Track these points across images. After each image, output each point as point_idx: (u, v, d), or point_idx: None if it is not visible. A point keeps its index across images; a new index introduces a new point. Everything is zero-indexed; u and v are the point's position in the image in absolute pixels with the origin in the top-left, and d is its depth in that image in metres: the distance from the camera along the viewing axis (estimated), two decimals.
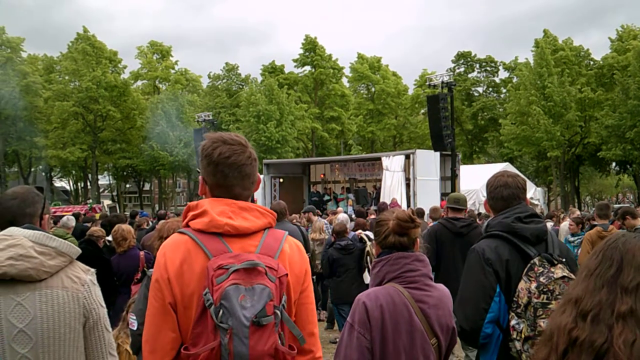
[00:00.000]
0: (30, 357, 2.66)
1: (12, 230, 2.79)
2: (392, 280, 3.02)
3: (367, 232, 9.63)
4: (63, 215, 12.35)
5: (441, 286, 3.14)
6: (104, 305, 2.96)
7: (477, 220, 11.02)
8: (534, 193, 31.40)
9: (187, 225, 2.37)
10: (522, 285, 3.29)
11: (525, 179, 3.96)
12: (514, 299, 3.32)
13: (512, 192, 3.69)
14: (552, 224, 14.36)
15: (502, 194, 3.69)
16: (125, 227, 8.32)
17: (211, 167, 2.44)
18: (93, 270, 3.01)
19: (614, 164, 52.49)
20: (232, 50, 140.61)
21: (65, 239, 3.06)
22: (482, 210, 21.25)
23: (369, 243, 9.12)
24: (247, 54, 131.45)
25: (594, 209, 9.97)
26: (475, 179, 26.44)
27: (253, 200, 2.64)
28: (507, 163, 38.34)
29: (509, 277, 3.40)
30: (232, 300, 2.08)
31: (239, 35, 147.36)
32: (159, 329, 2.30)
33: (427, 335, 2.95)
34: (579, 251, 9.91)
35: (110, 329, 3.02)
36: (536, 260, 3.32)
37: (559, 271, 3.25)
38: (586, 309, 1.53)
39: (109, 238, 8.88)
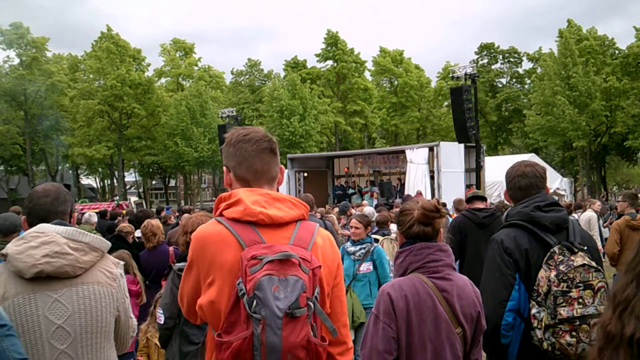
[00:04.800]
0: (69, 353, 2.70)
1: (44, 226, 2.81)
2: (416, 271, 3.02)
3: (392, 226, 9.65)
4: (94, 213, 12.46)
5: (463, 276, 3.14)
6: (128, 295, 3.02)
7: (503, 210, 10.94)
8: (560, 183, 31.09)
9: (220, 215, 2.39)
10: (542, 273, 3.31)
11: (545, 167, 3.95)
12: (535, 287, 3.34)
13: (530, 182, 3.71)
14: (579, 214, 14.33)
15: (520, 184, 3.71)
16: (155, 222, 8.34)
17: (231, 149, 2.52)
18: (122, 263, 3.06)
19: None
20: (254, 46, 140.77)
21: None
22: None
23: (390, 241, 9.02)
24: (269, 50, 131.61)
25: (619, 197, 9.63)
26: (500, 171, 26.08)
27: None
28: (532, 154, 37.94)
29: (528, 265, 3.41)
30: (266, 291, 2.08)
31: (261, 30, 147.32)
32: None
33: (452, 325, 2.95)
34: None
35: (132, 315, 3.09)
36: (556, 248, 3.34)
37: (579, 259, 3.26)
38: (617, 303, 1.54)
39: (138, 234, 8.94)
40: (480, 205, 7.64)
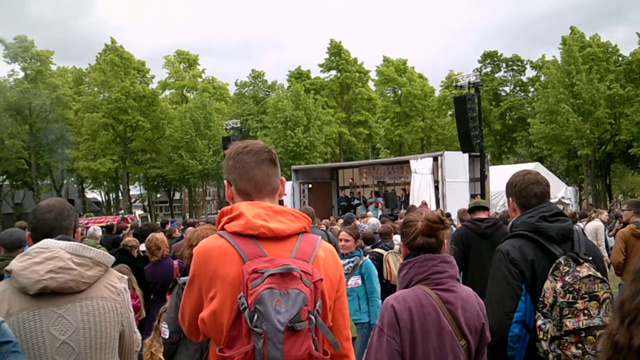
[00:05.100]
0: None
1: (48, 242, 2.81)
2: (420, 282, 3.00)
3: (396, 237, 9.62)
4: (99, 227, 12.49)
5: (467, 288, 3.13)
6: (132, 310, 3.02)
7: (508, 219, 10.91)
8: (565, 192, 31.04)
9: (222, 229, 2.39)
10: (547, 284, 3.30)
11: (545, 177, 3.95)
12: (540, 298, 3.32)
13: (544, 189, 3.70)
14: (584, 223, 14.32)
15: (535, 192, 3.68)
16: (159, 236, 8.33)
17: (231, 162, 2.54)
18: (126, 277, 3.07)
19: None
20: (257, 57, 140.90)
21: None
22: None
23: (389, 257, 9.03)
24: (273, 60, 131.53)
25: (624, 206, 9.58)
26: (504, 180, 26.00)
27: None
28: (537, 163, 37.96)
29: (534, 276, 3.39)
30: (267, 305, 2.08)
31: (264, 41, 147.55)
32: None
33: (456, 337, 2.92)
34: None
35: (137, 330, 3.09)
36: (562, 259, 3.32)
37: (585, 270, 3.25)
38: (625, 313, 1.51)
39: (142, 248, 8.94)
40: (482, 215, 7.61)
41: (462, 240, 7.26)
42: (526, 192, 3.70)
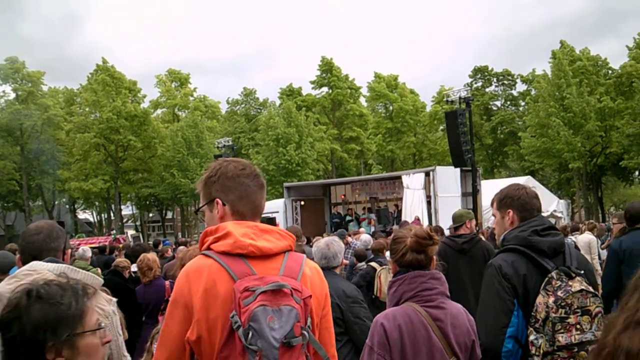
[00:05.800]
0: None
1: (36, 264, 2.82)
2: (409, 300, 3.00)
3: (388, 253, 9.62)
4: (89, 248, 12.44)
5: (457, 304, 3.13)
6: (121, 333, 3.00)
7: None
8: (557, 205, 31.06)
9: (208, 249, 2.37)
10: (540, 299, 3.28)
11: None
12: (532, 313, 3.30)
13: (540, 204, 3.75)
14: (576, 236, 14.33)
15: (537, 205, 3.72)
16: (151, 256, 8.29)
17: (229, 181, 2.52)
18: (115, 299, 3.05)
19: (637, 172, 51.99)
20: (249, 75, 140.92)
21: (87, 270, 3.10)
22: None
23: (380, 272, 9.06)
24: (264, 78, 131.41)
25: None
26: None
27: (275, 224, 2.69)
28: (528, 176, 37.97)
29: (526, 291, 3.38)
30: (261, 322, 2.08)
31: (255, 59, 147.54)
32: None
33: (446, 354, 2.93)
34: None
35: (126, 354, 3.07)
36: (554, 273, 3.31)
37: (577, 284, 3.24)
38: (635, 319, 1.46)
39: (134, 268, 8.90)
40: (461, 230, 7.56)
41: (440, 256, 7.17)
42: (530, 206, 3.71)
